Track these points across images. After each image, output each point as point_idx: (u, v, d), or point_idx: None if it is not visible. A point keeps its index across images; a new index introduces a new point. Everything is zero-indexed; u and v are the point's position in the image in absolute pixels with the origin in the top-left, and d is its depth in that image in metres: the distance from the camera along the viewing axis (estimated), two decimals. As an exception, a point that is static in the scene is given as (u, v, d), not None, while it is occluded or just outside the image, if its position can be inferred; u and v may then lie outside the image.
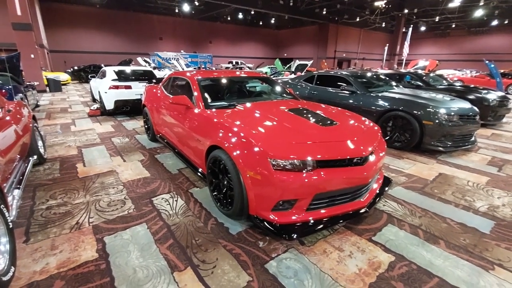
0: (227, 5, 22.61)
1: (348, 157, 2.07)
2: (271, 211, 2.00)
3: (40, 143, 3.60)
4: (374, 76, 5.62)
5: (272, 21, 29.98)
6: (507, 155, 4.17)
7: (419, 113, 3.93)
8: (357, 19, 26.71)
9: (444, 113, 3.86)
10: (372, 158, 2.27)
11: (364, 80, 5.29)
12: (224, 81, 3.54)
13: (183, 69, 13.00)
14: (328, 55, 30.21)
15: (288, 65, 16.68)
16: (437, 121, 3.84)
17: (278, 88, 3.80)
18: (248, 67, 25.20)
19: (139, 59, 19.31)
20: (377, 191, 2.50)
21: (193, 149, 2.88)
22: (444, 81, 7.49)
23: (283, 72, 12.78)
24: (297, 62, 13.72)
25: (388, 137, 4.34)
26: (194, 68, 20.41)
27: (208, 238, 2.07)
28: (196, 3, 22.56)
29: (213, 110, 2.80)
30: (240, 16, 27.32)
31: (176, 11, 25.45)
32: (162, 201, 2.62)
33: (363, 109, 4.61)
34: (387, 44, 20.86)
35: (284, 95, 3.68)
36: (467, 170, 3.53)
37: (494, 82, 11.08)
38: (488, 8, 21.07)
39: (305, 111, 2.78)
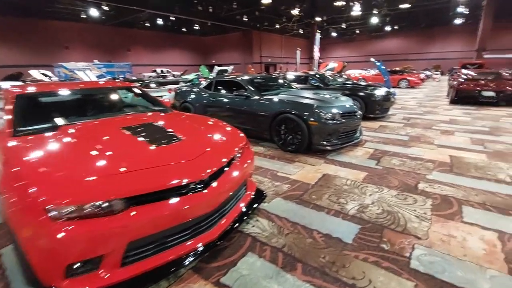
0: (141, 10, 21.08)
1: (178, 184, 1.64)
2: (66, 278, 1.42)
3: None
4: (272, 79, 5.55)
5: (196, 28, 29.23)
6: (387, 146, 4.46)
7: (305, 114, 3.87)
8: (277, 26, 28.13)
9: (327, 112, 3.88)
10: (222, 178, 1.90)
11: (261, 84, 5.15)
12: (62, 95, 2.79)
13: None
14: (254, 61, 30.97)
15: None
16: (322, 120, 3.82)
17: (141, 99, 3.23)
18: (173, 75, 23.93)
19: (33, 72, 16.32)
20: (242, 212, 2.17)
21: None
22: (348, 81, 8.10)
23: (198, 79, 12.27)
24: (217, 68, 13.40)
25: (282, 141, 4.21)
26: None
27: (-29, 338, 1.36)
28: (105, 8, 20.30)
29: (23, 137, 2.06)
30: (160, 22, 25.75)
31: (83, 16, 22.49)
32: None
33: (256, 113, 4.41)
34: (299, 49, 22.60)
35: (147, 106, 3.13)
36: (350, 167, 3.56)
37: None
38: (380, 16, 24.65)
39: (147, 128, 2.28)
